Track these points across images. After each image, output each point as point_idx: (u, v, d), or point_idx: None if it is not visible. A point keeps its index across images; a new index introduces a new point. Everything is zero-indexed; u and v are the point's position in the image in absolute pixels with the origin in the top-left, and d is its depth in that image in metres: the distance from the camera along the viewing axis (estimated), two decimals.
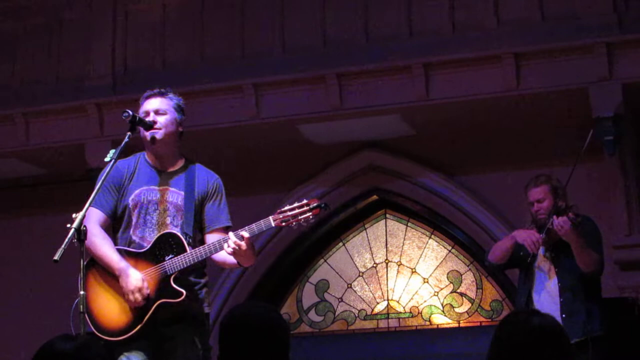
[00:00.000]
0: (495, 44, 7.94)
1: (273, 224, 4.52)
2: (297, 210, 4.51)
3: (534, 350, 2.89)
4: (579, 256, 5.93)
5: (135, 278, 4.59)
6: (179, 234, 4.66)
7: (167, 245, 4.64)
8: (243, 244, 4.50)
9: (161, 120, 4.80)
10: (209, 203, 4.79)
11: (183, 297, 4.58)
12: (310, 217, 4.51)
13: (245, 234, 4.50)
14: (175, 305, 4.60)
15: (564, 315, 5.94)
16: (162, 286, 4.61)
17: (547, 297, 6.06)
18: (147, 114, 4.80)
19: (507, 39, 7.96)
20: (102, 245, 4.66)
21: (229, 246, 4.53)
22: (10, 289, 9.53)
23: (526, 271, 6.19)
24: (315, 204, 4.51)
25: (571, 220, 5.87)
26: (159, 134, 4.77)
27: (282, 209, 4.55)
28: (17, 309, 9.43)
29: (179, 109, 4.88)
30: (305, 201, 4.53)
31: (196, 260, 4.61)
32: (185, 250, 4.61)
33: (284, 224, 4.52)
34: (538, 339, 2.90)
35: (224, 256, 4.67)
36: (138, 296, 4.57)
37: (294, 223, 4.51)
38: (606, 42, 7.63)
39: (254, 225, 4.57)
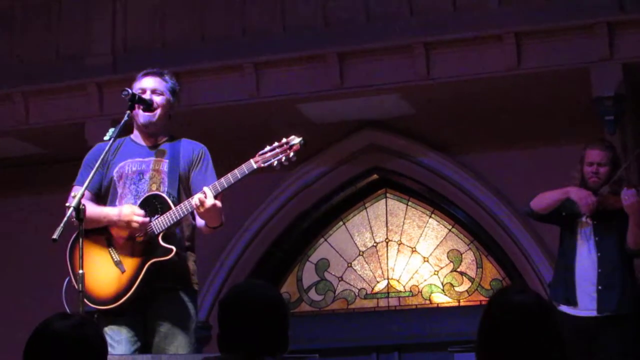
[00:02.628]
0: (496, 24, 7.92)
1: (254, 166, 4.51)
2: (277, 150, 4.51)
3: (517, 329, 2.88)
4: (633, 232, 5.84)
5: (123, 210, 4.63)
6: (162, 194, 4.69)
7: (152, 206, 4.67)
8: (205, 198, 4.47)
9: (157, 100, 4.85)
10: (195, 170, 4.82)
11: (173, 253, 4.60)
12: (291, 154, 4.50)
13: (206, 189, 4.49)
14: (166, 263, 4.60)
15: (600, 287, 5.88)
16: (152, 246, 4.63)
17: (586, 264, 5.97)
18: (144, 91, 4.85)
19: (508, 19, 7.94)
20: (91, 205, 4.66)
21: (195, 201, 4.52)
22: (10, 268, 9.53)
23: (570, 233, 6.08)
24: (294, 142, 4.50)
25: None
26: (154, 117, 4.83)
27: (262, 151, 4.54)
28: (17, 288, 9.43)
29: (173, 92, 4.93)
30: (284, 140, 4.52)
31: (182, 215, 4.61)
32: (170, 209, 4.62)
33: (265, 164, 4.50)
34: (520, 317, 2.90)
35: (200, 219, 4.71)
36: (136, 220, 4.59)
37: (276, 163, 4.49)
38: (607, 21, 7.61)
39: (229, 175, 4.55)
